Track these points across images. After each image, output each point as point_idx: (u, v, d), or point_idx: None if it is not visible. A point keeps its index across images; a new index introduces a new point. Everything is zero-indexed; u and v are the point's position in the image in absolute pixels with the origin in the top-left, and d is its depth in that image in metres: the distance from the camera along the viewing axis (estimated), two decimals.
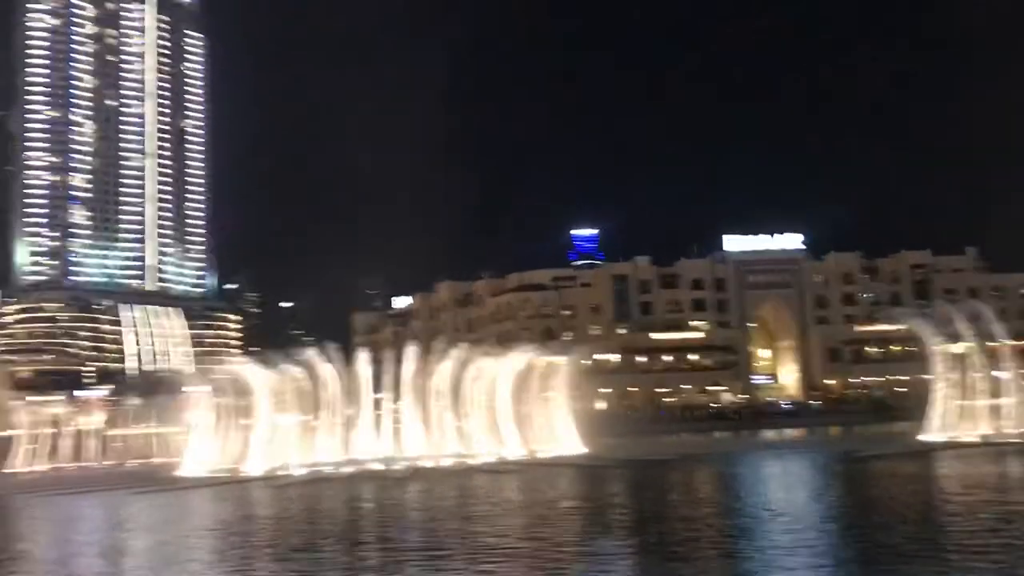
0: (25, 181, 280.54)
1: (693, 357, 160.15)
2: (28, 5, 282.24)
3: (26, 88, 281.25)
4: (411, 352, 67.01)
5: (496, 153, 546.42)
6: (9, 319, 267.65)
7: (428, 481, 48.12)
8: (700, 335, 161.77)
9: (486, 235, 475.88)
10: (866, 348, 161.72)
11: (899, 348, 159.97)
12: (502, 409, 66.47)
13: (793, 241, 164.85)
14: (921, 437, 66.47)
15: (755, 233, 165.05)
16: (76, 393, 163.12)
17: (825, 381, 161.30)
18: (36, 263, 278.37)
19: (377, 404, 63.05)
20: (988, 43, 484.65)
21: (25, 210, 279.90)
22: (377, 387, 63.76)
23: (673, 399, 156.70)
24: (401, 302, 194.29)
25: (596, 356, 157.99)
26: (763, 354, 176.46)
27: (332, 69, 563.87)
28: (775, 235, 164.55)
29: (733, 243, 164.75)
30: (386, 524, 30.78)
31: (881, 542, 22.96)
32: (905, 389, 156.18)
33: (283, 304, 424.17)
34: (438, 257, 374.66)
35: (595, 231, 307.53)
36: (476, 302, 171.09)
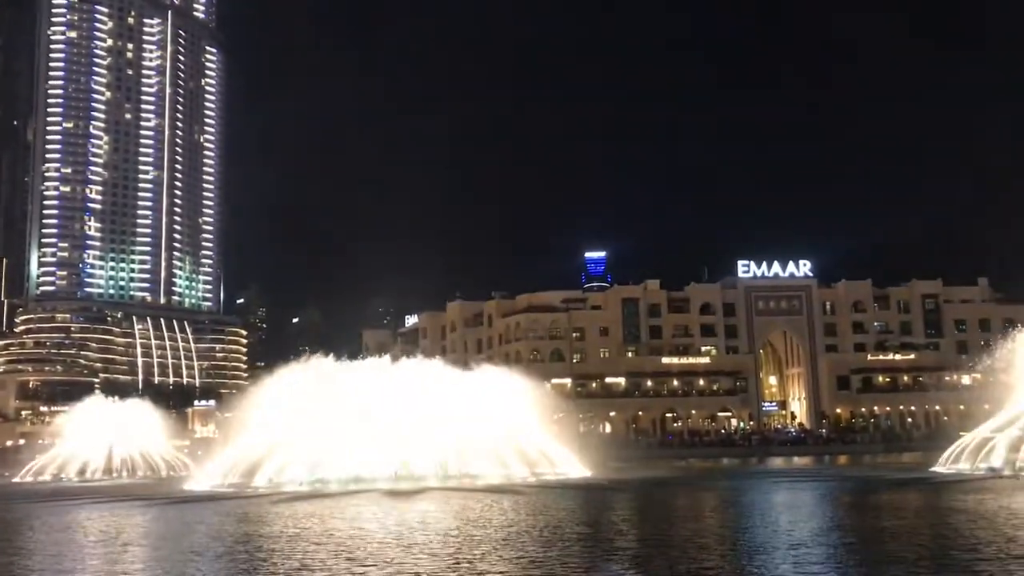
0: (41, 192, 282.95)
1: (701, 382, 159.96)
2: (50, 19, 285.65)
3: (45, 100, 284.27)
4: (423, 368, 67.18)
5: (511, 174, 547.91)
6: (21, 328, 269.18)
7: (433, 501, 47.99)
8: (708, 360, 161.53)
9: (498, 255, 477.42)
10: (875, 377, 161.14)
11: (908, 378, 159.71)
12: (508, 430, 66.23)
13: (803, 268, 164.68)
14: (933, 468, 65.93)
15: (766, 259, 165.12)
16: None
17: (834, 409, 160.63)
18: (49, 273, 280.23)
19: (386, 420, 62.89)
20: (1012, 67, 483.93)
21: (40, 221, 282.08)
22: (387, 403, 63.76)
23: (680, 424, 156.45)
24: (412, 320, 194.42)
25: (605, 379, 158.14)
26: (771, 381, 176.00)
27: (346, 84, 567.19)
28: (786, 262, 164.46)
29: (744, 269, 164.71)
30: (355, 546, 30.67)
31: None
32: (912, 419, 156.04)
33: (293, 320, 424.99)
34: (450, 276, 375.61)
35: (604, 253, 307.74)
36: (486, 322, 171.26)
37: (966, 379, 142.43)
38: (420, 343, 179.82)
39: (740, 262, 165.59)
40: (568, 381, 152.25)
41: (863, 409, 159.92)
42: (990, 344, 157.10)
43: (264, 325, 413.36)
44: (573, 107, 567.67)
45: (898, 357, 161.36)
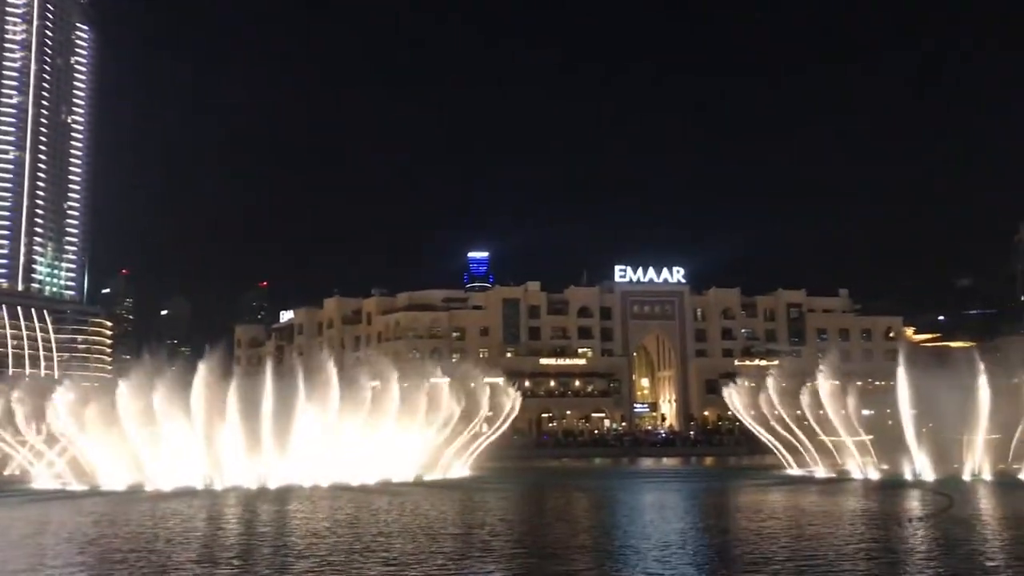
0: None
1: (577, 383, 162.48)
2: None
3: None
4: (294, 367, 65.73)
5: (393, 171, 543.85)
6: None
7: (301, 501, 47.14)
8: (584, 362, 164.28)
9: (380, 253, 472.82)
10: (743, 382, 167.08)
11: (775, 383, 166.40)
12: (386, 430, 65.63)
13: (677, 275, 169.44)
14: (789, 471, 68.98)
15: (643, 265, 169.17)
16: None
17: (702, 412, 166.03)
18: None
19: (253, 421, 61.13)
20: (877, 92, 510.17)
21: None
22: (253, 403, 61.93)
23: (556, 424, 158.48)
24: (288, 316, 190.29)
25: (484, 380, 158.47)
26: (644, 383, 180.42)
27: (220, 66, 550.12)
28: (661, 268, 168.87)
29: (621, 274, 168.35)
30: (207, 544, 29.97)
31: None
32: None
33: (161, 312, 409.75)
34: (328, 272, 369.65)
35: (487, 254, 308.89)
36: (365, 319, 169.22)
37: (825, 385, 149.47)
38: (295, 339, 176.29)
39: (618, 267, 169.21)
40: (446, 380, 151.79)
41: (729, 412, 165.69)
42: (849, 352, 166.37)
43: (131, 316, 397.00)
44: (461, 109, 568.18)
45: (763, 363, 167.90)
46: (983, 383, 62.92)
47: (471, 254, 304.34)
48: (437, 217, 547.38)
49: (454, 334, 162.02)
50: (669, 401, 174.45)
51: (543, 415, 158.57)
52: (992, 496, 47.04)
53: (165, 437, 59.32)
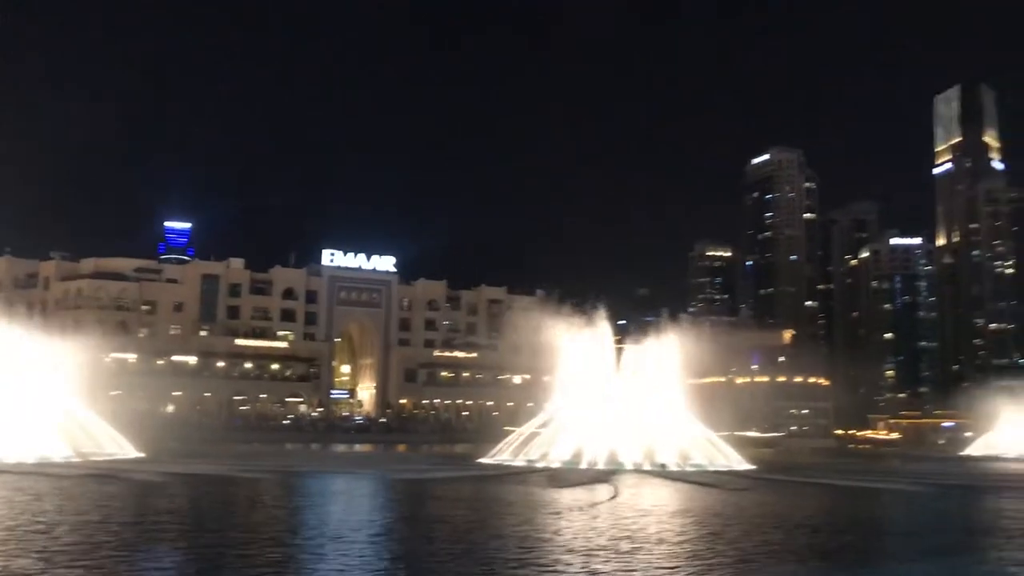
0: None
1: (275, 366, 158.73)
2: None
3: None
4: None
5: (83, 122, 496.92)
6: None
7: None
8: (285, 345, 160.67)
9: (64, 211, 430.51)
10: (439, 372, 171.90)
11: (469, 375, 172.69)
12: (50, 404, 59.92)
13: (387, 263, 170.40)
14: (481, 460, 71.49)
15: (353, 251, 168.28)
16: None
17: (399, 400, 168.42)
18: None
19: None
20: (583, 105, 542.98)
21: None
22: None
23: (249, 407, 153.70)
24: None
25: (173, 357, 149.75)
26: (344, 369, 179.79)
27: None
28: (371, 255, 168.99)
29: (330, 257, 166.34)
30: None
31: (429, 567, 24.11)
32: (468, 413, 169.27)
33: None
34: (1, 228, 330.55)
35: (188, 225, 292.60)
36: (41, 284, 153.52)
37: (517, 379, 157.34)
38: None
39: (327, 251, 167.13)
40: (133, 356, 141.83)
41: (425, 401, 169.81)
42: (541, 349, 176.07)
43: None
44: (162, 67, 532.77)
45: (461, 355, 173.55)
46: None
47: (169, 223, 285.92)
48: (132, 178, 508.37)
49: (144, 307, 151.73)
50: (369, 388, 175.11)
51: (235, 397, 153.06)
52: (643, 486, 51.36)
53: None
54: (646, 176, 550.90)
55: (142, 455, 65.28)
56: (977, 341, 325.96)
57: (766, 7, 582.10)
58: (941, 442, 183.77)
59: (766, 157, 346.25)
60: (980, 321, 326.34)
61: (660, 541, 27.80)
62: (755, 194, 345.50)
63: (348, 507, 39.91)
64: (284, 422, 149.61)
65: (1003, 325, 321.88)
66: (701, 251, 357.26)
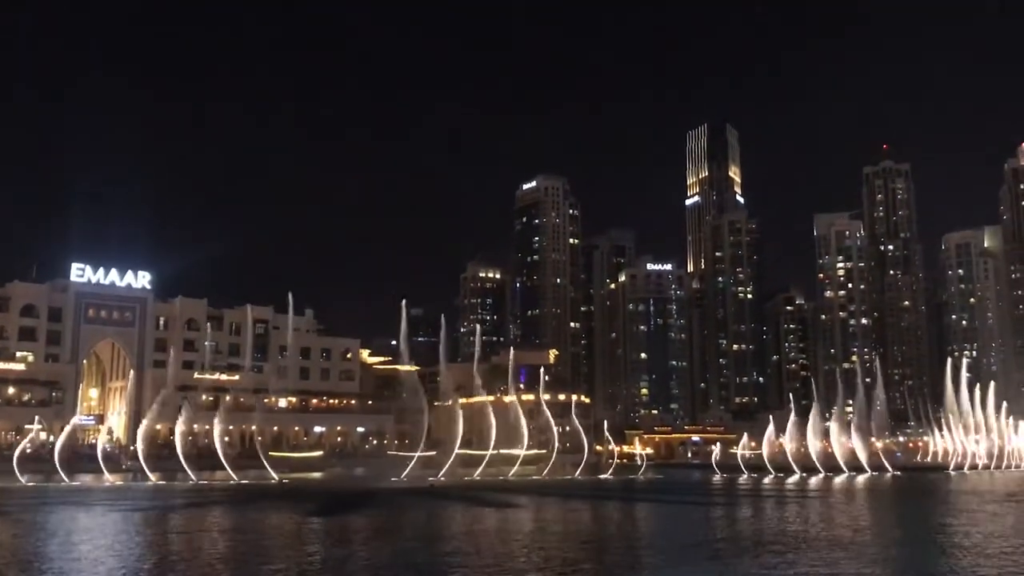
0: None
1: (11, 391, 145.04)
2: None
3: None
4: None
5: None
6: None
7: None
8: (24, 367, 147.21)
9: None
10: (200, 396, 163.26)
11: (231, 398, 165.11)
12: None
13: (142, 280, 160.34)
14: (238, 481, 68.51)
15: (104, 266, 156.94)
16: None
17: (155, 426, 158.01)
18: None
19: None
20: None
21: None
22: None
23: None
24: None
25: None
26: (92, 393, 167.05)
27: None
28: (125, 271, 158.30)
29: (79, 272, 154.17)
30: None
31: None
32: (228, 439, 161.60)
33: None
34: None
35: None
36: None
37: (283, 402, 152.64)
38: None
39: (75, 265, 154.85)
40: None
41: (182, 428, 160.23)
42: (308, 370, 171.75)
43: None
44: None
45: (223, 377, 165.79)
46: (424, 405, 69.44)
47: None
48: None
49: None
50: (120, 413, 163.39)
51: None
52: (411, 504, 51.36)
53: None
54: (425, 202, 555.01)
55: None
56: (722, 361, 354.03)
57: (547, 47, 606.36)
58: (689, 456, 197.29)
59: (533, 184, 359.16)
60: (724, 342, 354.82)
61: None
62: (524, 219, 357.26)
63: None
64: (24, 452, 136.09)
65: (743, 346, 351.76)
66: (473, 272, 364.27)
